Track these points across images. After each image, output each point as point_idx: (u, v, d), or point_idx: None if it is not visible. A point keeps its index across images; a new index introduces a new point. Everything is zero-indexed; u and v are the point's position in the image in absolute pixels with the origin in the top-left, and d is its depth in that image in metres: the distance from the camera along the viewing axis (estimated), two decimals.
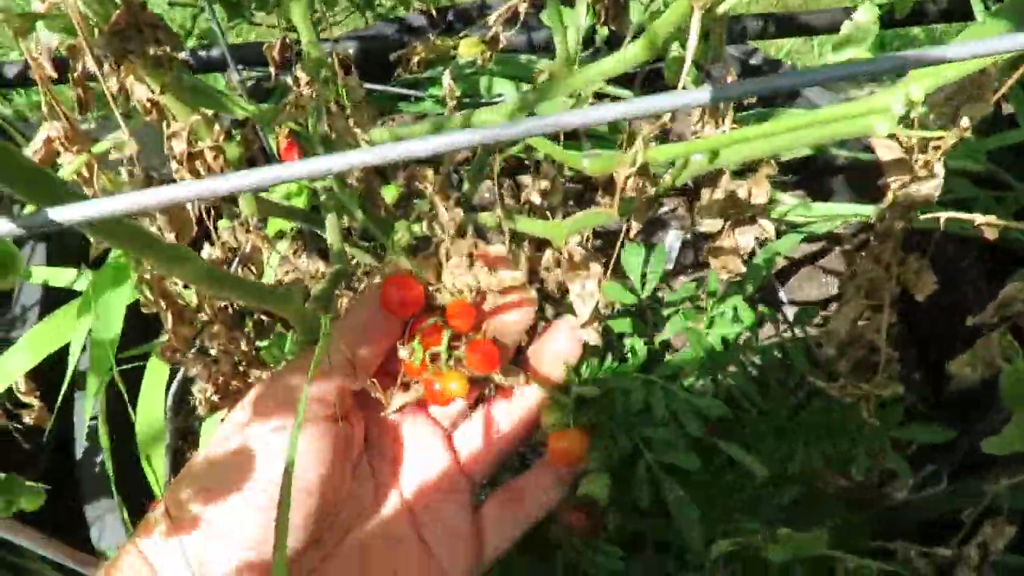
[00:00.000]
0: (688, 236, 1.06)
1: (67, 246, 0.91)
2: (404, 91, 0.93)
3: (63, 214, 0.17)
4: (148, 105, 0.39)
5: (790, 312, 0.99)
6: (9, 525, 0.47)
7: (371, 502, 0.41)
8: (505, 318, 0.44)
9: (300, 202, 0.72)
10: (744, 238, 0.58)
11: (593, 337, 0.42)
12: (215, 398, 0.46)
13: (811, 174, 1.10)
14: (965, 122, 0.33)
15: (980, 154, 0.87)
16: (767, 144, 0.39)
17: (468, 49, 0.73)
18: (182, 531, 0.33)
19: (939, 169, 0.37)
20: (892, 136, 0.34)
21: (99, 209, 0.18)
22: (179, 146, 0.38)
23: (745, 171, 0.58)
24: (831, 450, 0.50)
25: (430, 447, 0.44)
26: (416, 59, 0.71)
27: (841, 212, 0.91)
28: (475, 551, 0.42)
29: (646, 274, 0.58)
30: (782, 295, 0.95)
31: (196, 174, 0.40)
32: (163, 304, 0.36)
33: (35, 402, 0.68)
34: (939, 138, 0.36)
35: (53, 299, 0.80)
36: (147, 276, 0.36)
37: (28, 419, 0.72)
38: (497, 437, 0.45)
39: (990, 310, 0.38)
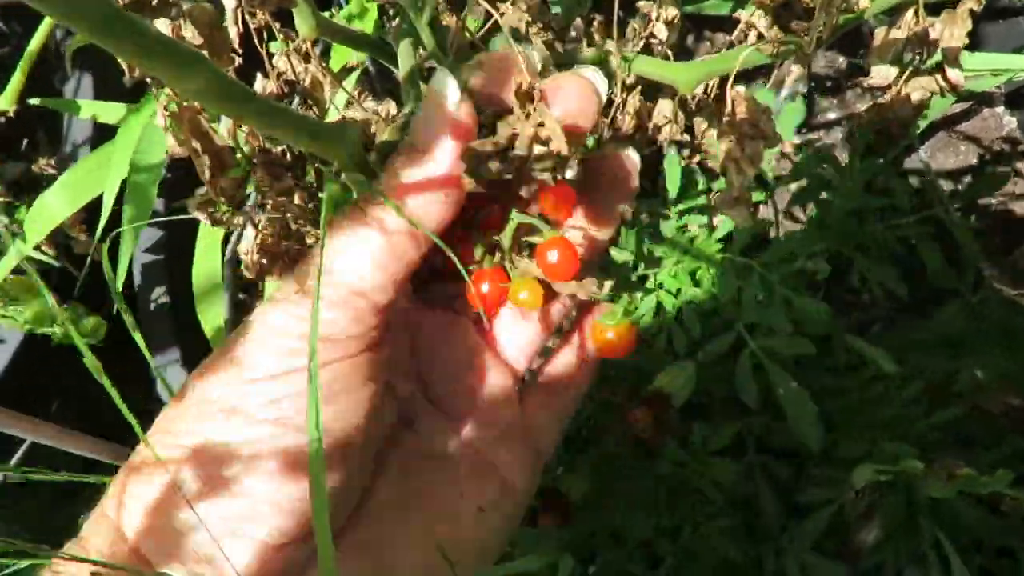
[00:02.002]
0: (803, 90, 0.91)
1: (118, 80, 0.84)
2: None
3: None
4: None
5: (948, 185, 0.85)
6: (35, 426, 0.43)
7: (418, 414, 0.34)
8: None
9: (366, 26, 0.62)
10: (918, 93, 0.46)
11: (744, 217, 0.32)
12: (263, 261, 0.39)
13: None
14: None
15: None
16: None
17: None
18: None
19: None
20: None
21: None
22: None
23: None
24: (1008, 364, 0.40)
25: (472, 344, 0.35)
26: None
27: (1006, 66, 0.75)
28: (532, 457, 0.35)
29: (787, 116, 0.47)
30: (919, 163, 0.81)
31: None
32: (197, 145, 0.28)
33: (82, 236, 0.64)
34: None
35: (105, 136, 0.74)
36: (175, 106, 0.28)
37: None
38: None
39: None
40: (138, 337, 0.30)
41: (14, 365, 0.67)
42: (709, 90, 0.51)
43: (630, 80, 0.46)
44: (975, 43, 0.92)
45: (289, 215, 0.37)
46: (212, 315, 0.50)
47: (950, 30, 0.43)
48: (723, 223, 0.44)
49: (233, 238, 0.69)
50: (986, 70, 0.79)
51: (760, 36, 0.39)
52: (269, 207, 0.35)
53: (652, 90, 0.49)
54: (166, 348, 0.69)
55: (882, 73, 0.45)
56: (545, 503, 0.38)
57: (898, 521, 0.38)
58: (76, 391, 0.77)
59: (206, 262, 0.48)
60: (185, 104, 0.27)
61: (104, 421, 0.68)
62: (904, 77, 0.45)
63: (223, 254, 0.61)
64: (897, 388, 0.40)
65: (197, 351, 0.68)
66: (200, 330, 0.68)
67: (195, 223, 0.71)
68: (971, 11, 0.43)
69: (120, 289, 0.65)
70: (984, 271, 0.41)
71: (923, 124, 0.84)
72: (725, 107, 0.33)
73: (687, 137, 0.52)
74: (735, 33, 0.50)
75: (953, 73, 0.45)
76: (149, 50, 0.16)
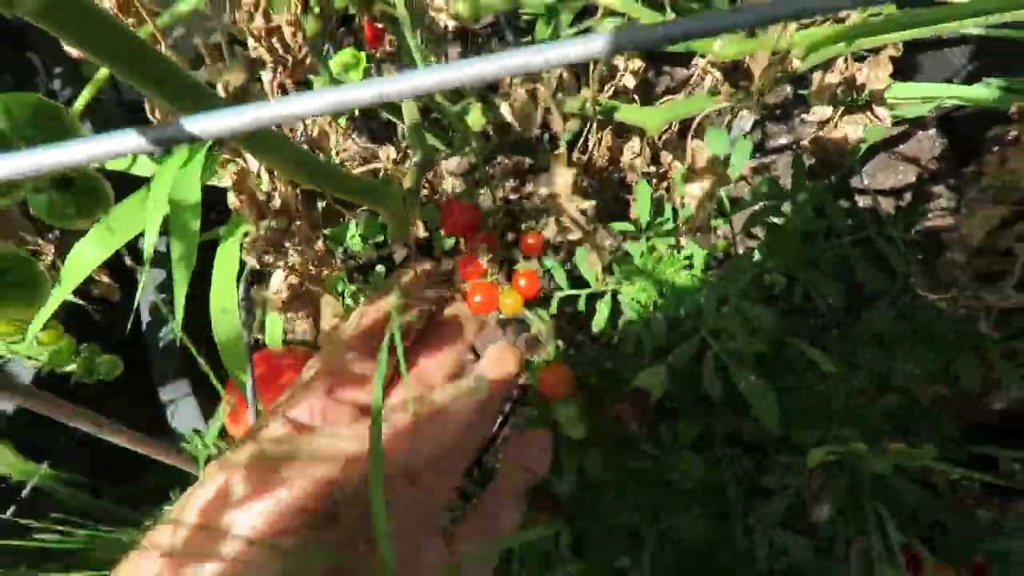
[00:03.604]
0: (758, 118, 0.99)
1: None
2: None
3: (204, 125, 0.14)
4: None
5: (886, 203, 0.93)
6: (92, 418, 0.48)
7: None
8: None
9: (357, 75, 0.68)
10: (853, 128, 0.53)
11: (706, 242, 0.38)
12: (286, 298, 0.44)
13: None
14: None
15: None
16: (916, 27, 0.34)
17: None
18: None
19: None
20: None
21: (243, 120, 0.14)
22: (257, 21, 0.34)
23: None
24: (933, 361, 0.47)
25: None
26: None
27: (936, 94, 0.83)
28: None
29: (738, 152, 0.53)
30: (862, 183, 0.89)
31: (273, 51, 0.36)
32: (251, 200, 0.33)
33: (104, 279, 0.68)
34: None
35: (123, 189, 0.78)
36: (236, 172, 0.33)
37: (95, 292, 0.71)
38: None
39: None
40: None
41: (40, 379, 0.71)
42: (672, 128, 0.58)
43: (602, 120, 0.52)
44: (911, 73, 1.01)
45: (312, 261, 0.42)
46: (231, 349, 0.54)
47: (874, 73, 0.50)
48: (688, 244, 0.50)
49: (245, 276, 0.73)
50: (919, 97, 0.88)
51: (715, 80, 0.45)
52: (297, 250, 0.40)
53: (622, 129, 0.56)
54: (176, 380, 0.72)
55: (820, 112, 0.52)
56: (537, 502, 0.43)
57: (844, 498, 0.44)
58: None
59: (222, 299, 0.52)
60: (245, 169, 0.32)
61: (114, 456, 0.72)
62: (839, 114, 0.52)
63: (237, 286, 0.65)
64: (844, 383, 0.47)
65: (205, 383, 0.72)
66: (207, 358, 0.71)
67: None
68: (891, 57, 0.50)
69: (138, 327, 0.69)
70: (911, 280, 0.48)
71: (864, 147, 0.93)
72: (687, 146, 0.39)
73: (655, 168, 0.59)
74: (693, 76, 0.57)
75: (880, 110, 0.52)
76: (259, 142, 0.21)
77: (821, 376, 0.47)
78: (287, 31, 0.35)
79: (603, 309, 0.48)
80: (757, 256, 0.46)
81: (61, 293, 0.55)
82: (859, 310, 0.51)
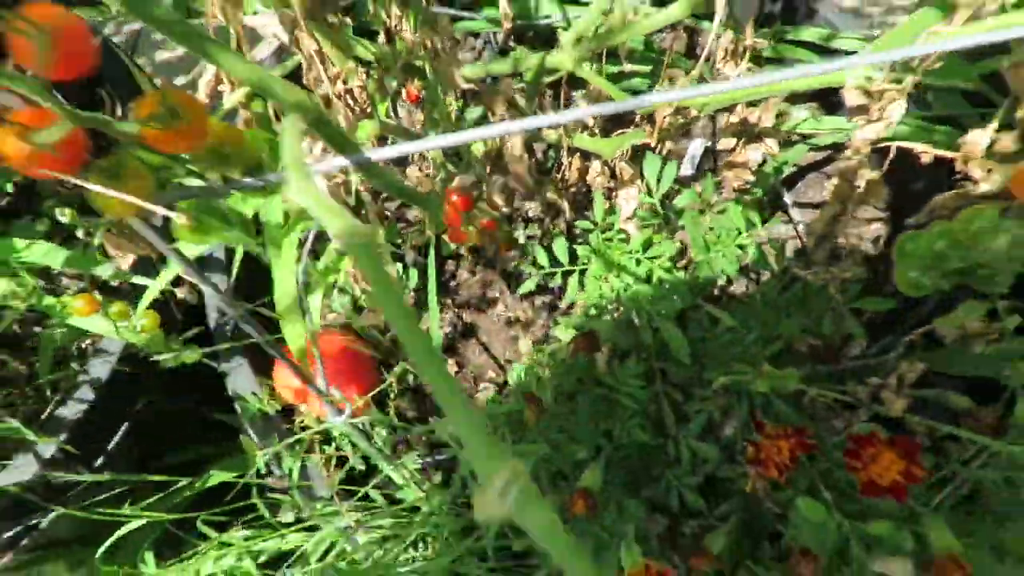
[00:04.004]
0: (708, 144, 1.19)
1: None
2: (459, 13, 1.04)
3: (376, 155, 0.33)
4: (311, 54, 0.53)
5: (796, 213, 1.13)
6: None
7: None
8: None
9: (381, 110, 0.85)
10: (754, 153, 0.72)
11: (632, 228, 0.57)
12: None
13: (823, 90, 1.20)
14: (909, 81, 0.46)
15: (972, 74, 0.97)
16: (770, 88, 0.53)
17: None
18: None
19: (895, 110, 0.51)
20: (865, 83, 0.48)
21: (418, 146, 0.33)
22: (338, 85, 0.52)
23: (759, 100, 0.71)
24: (805, 319, 0.66)
25: None
26: None
27: (845, 125, 1.03)
28: None
29: (661, 179, 0.73)
30: (787, 198, 1.09)
31: (349, 106, 0.55)
32: (343, 204, 0.52)
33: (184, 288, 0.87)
34: (896, 89, 0.50)
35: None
36: (336, 185, 0.51)
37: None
38: None
39: (924, 213, 0.53)
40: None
41: (114, 372, 0.88)
42: (624, 152, 0.77)
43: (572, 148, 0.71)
44: (835, 107, 1.21)
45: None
46: (295, 333, 0.72)
47: (764, 115, 0.69)
48: (635, 238, 0.69)
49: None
50: (830, 129, 1.08)
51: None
52: None
53: (587, 155, 0.75)
54: (233, 357, 0.90)
55: (726, 142, 0.71)
56: (527, 402, 0.61)
57: (741, 416, 0.63)
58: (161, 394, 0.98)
59: (285, 290, 0.70)
60: (345, 182, 0.51)
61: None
62: (742, 144, 0.72)
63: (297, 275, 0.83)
64: (742, 336, 0.66)
65: (259, 363, 0.90)
66: (258, 347, 0.90)
67: (250, 269, 0.93)
68: (780, 113, 0.69)
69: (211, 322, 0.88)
70: (792, 266, 0.67)
71: (789, 170, 1.13)
72: (615, 168, 0.59)
73: (612, 183, 0.78)
74: (636, 117, 0.76)
75: (769, 141, 0.71)
76: (374, 167, 0.40)
77: (726, 329, 0.66)
78: (357, 92, 0.53)
79: (573, 282, 0.67)
80: (678, 243, 0.65)
81: (164, 278, 0.73)
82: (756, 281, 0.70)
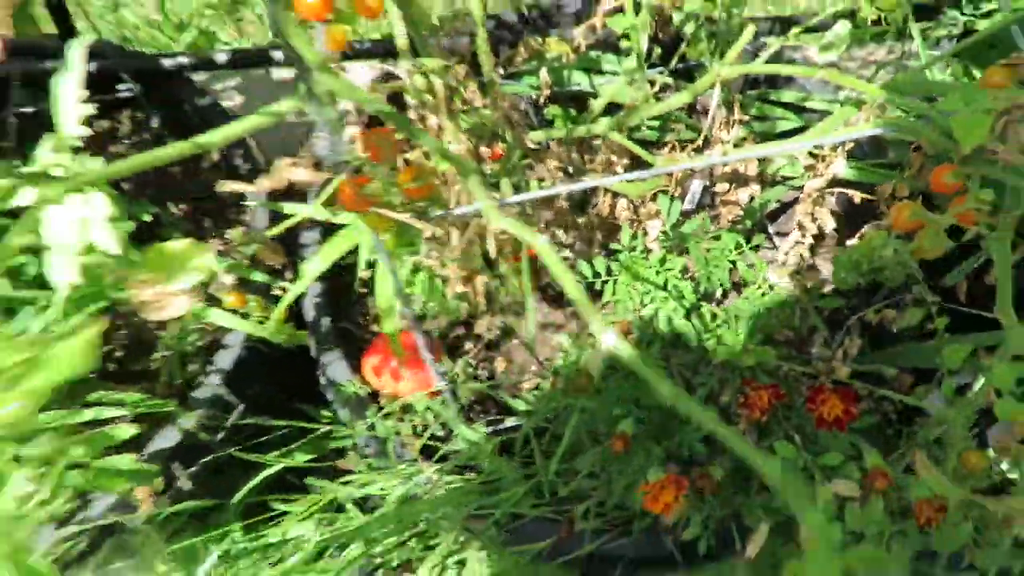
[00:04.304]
0: (706, 184, 1.44)
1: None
2: (505, 80, 1.29)
3: (517, 198, 0.57)
4: (435, 128, 0.77)
5: (777, 240, 1.38)
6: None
7: None
8: None
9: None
10: (743, 194, 0.97)
11: (655, 247, 0.81)
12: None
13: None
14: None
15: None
16: (755, 151, 0.78)
17: (555, 47, 1.11)
18: None
19: (838, 166, 0.75)
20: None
21: (544, 193, 0.57)
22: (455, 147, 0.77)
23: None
24: (782, 316, 0.90)
25: None
26: (520, 57, 1.09)
27: None
28: None
29: (670, 212, 0.97)
30: (770, 228, 1.33)
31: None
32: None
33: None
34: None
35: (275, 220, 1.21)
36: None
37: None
38: None
39: (856, 238, 0.76)
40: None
41: (239, 359, 1.11)
42: (647, 194, 1.01)
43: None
44: None
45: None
46: (393, 325, 0.95)
47: (749, 167, 0.94)
48: (655, 255, 0.93)
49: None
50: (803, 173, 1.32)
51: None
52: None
53: (615, 194, 0.99)
54: (330, 350, 1.13)
55: (721, 187, 0.96)
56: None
57: (734, 386, 0.86)
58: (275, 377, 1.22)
59: (384, 292, 0.94)
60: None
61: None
62: (733, 187, 0.96)
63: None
64: (733, 329, 0.89)
65: (352, 354, 1.13)
66: (352, 340, 1.13)
67: (340, 277, 1.17)
68: (764, 160, 0.94)
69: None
70: (770, 278, 0.90)
71: (773, 205, 1.38)
72: (642, 205, 0.83)
73: (635, 216, 1.02)
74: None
75: (753, 186, 0.96)
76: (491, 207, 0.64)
77: (722, 322, 0.89)
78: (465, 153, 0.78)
79: (608, 288, 0.90)
80: (684, 260, 0.89)
81: (300, 287, 0.96)
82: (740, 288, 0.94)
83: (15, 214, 0.56)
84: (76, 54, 0.68)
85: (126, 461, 0.73)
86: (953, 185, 0.55)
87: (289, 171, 0.54)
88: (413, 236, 0.69)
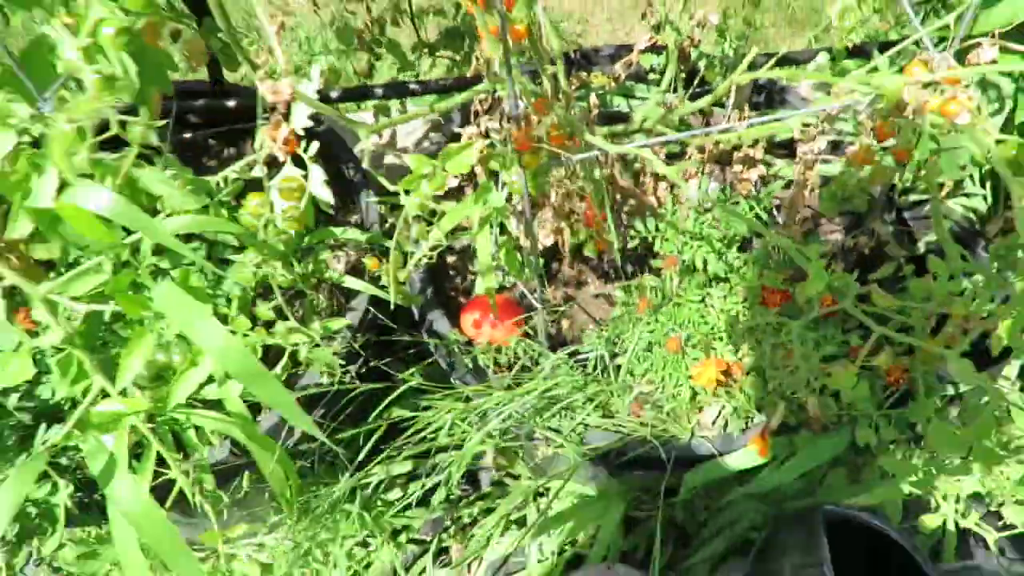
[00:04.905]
0: (719, 184, 1.79)
1: None
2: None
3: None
4: None
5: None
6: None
7: None
8: None
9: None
10: (752, 174, 1.31)
11: (689, 214, 1.15)
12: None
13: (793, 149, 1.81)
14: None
15: None
16: (758, 130, 1.11)
17: (598, 80, 1.47)
18: None
19: (820, 143, 1.08)
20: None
21: (630, 147, 0.91)
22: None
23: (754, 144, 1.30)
24: (783, 261, 1.23)
25: None
26: (573, 84, 1.44)
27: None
28: None
29: (700, 186, 1.30)
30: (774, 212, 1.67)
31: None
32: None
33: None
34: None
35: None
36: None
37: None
38: None
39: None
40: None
41: (366, 312, 1.43)
42: (686, 172, 1.35)
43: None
44: None
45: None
46: (489, 282, 1.28)
47: (755, 153, 1.29)
48: (691, 217, 1.26)
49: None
50: None
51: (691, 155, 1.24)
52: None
53: (657, 176, 1.33)
54: (436, 309, 1.45)
55: (736, 168, 1.30)
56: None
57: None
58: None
59: (485, 254, 1.26)
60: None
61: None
62: (746, 168, 1.31)
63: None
64: (751, 266, 1.22)
65: (449, 312, 1.44)
66: (449, 302, 1.46)
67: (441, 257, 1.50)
68: (761, 146, 1.28)
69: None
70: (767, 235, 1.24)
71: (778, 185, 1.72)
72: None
73: (673, 193, 1.36)
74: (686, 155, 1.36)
75: (760, 167, 1.30)
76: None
77: (743, 263, 1.22)
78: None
79: (657, 240, 1.24)
80: (711, 216, 1.23)
81: (432, 241, 1.30)
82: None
83: None
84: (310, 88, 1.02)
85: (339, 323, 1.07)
86: (890, 133, 0.88)
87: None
88: (542, 182, 1.02)
